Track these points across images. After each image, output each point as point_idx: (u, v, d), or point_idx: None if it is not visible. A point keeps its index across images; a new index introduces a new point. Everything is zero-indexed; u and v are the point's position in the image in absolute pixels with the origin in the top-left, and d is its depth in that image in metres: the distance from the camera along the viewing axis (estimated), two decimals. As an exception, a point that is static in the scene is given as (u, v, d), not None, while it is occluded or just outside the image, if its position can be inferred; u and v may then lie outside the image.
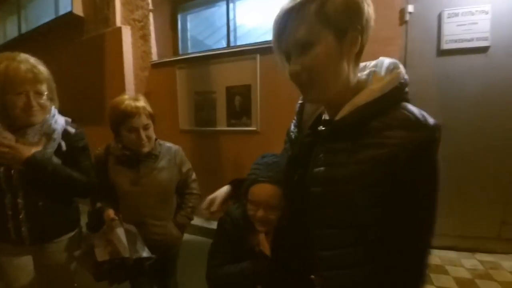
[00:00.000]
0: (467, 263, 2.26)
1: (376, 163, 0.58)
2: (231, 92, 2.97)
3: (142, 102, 1.35)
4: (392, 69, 0.65)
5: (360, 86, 0.65)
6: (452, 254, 2.39)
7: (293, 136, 0.80)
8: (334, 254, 0.68)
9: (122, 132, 1.34)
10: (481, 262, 2.27)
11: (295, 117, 0.82)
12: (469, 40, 2.22)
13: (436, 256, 2.36)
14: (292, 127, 0.82)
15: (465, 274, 2.13)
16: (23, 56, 1.13)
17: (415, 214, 0.61)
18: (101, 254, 1.29)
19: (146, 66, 3.57)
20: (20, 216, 1.17)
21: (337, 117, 0.64)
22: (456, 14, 2.22)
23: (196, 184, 1.59)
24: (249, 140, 2.93)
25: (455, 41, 2.25)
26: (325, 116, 0.72)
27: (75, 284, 1.44)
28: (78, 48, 4.02)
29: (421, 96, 2.38)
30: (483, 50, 2.22)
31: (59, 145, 1.23)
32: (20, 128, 1.15)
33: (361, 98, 0.62)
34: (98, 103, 3.77)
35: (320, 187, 0.66)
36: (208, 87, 3.11)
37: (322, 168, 0.66)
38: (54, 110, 1.25)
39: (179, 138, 3.14)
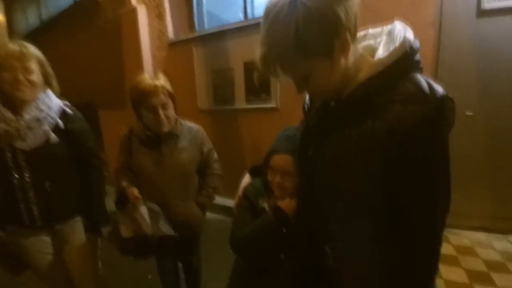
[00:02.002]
0: (498, 245, 2.15)
1: (375, 140, 0.56)
2: (249, 68, 2.87)
3: (161, 81, 1.33)
4: (396, 36, 0.60)
5: (364, 61, 0.63)
6: (482, 236, 2.28)
7: (306, 108, 0.80)
8: (343, 227, 0.68)
9: (142, 112, 1.33)
10: (514, 244, 2.15)
11: None
12: (516, -3, 1.96)
13: (465, 237, 2.26)
14: (307, 98, 0.81)
15: (496, 257, 2.03)
16: (19, 41, 1.21)
17: (415, 196, 0.58)
18: (125, 231, 1.34)
19: (163, 46, 3.53)
20: (29, 195, 1.21)
21: (342, 96, 0.64)
22: (502, -34, 1.95)
23: (217, 164, 1.57)
24: (268, 118, 2.85)
25: (499, -1, 1.99)
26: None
27: (100, 267, 1.51)
28: (96, 32, 4.05)
29: (457, 63, 2.18)
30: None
31: (57, 124, 1.26)
32: (15, 106, 1.19)
33: (364, 74, 0.60)
34: (117, 86, 3.81)
35: (326, 166, 0.67)
36: (226, 64, 3.03)
37: (328, 147, 0.66)
38: (49, 92, 1.29)
39: (198, 118, 3.07)
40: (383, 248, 0.63)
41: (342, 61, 0.60)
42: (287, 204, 0.99)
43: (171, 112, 1.36)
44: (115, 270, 1.98)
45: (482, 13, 2.06)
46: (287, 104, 2.71)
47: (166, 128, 1.35)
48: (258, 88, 2.88)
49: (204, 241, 1.70)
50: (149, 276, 2.07)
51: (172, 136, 1.39)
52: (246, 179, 1.18)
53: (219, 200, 2.88)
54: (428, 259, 0.62)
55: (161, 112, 1.31)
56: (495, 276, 1.83)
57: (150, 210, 1.35)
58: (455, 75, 2.17)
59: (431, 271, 0.64)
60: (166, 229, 1.34)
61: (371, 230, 0.64)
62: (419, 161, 0.55)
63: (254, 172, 1.19)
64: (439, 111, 0.53)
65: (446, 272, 1.90)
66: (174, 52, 3.46)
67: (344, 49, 0.58)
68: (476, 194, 2.28)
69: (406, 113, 0.53)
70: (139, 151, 1.41)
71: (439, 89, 0.55)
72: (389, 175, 0.57)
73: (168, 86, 1.35)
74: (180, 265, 1.64)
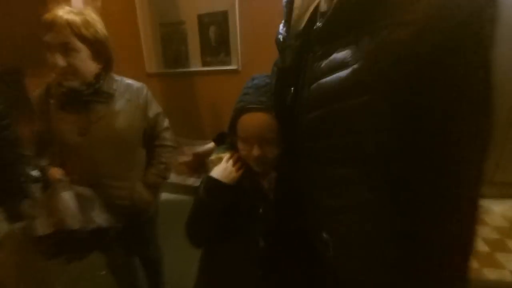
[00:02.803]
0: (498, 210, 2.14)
1: (385, 55, 0.40)
2: (204, 21, 2.46)
3: (71, 15, 0.94)
4: None
5: None
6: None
7: (281, 39, 0.61)
8: (344, 200, 0.52)
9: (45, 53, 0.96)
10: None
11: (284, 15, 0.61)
12: None
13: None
14: (280, 28, 0.62)
15: (503, 222, 2.00)
16: None
17: (442, 147, 0.41)
18: (42, 226, 1.01)
19: (96, -7, 2.87)
20: None
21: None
22: None
23: (169, 133, 1.26)
24: (229, 82, 2.53)
25: None
26: (323, 8, 0.52)
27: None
28: None
29: None
30: None
31: None
32: None
33: None
34: (39, 47, 3.08)
35: (317, 110, 0.50)
36: (176, 16, 2.56)
37: (323, 80, 0.48)
38: None
39: (146, 83, 2.67)
40: (400, 230, 0.47)
41: None
42: (221, 170, 0.77)
43: (79, 61, 0.98)
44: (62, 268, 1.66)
45: None
46: (250, 65, 2.40)
47: (72, 82, 0.99)
48: (215, 47, 2.50)
49: (164, 228, 1.42)
50: (103, 272, 1.77)
51: (102, 95, 1.04)
52: (209, 145, 0.93)
53: (179, 178, 2.57)
54: (454, 247, 0.46)
55: (58, 56, 0.94)
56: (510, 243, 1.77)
57: (79, 195, 1.04)
58: None
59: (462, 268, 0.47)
60: (101, 219, 1.04)
61: (386, 203, 0.47)
62: (453, 92, 0.38)
63: (220, 140, 0.92)
64: (481, 6, 0.36)
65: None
66: (113, 3, 2.85)
67: None
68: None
69: (441, 14, 0.36)
70: (59, 117, 1.04)
71: None
72: (407, 117, 0.41)
73: (86, 26, 0.96)
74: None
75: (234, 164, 0.78)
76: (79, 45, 0.96)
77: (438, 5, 0.37)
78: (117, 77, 1.12)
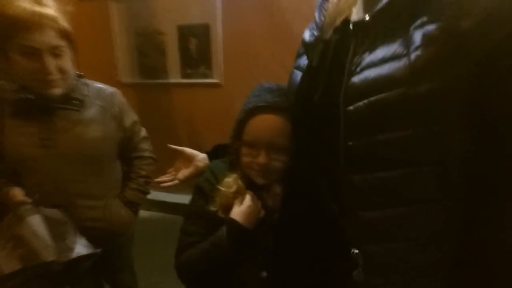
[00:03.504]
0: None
1: (446, 45, 0.38)
2: (184, 33, 2.37)
3: (50, 10, 0.82)
4: None
5: None
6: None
7: (312, 40, 0.56)
8: (386, 214, 0.45)
9: (13, 56, 0.80)
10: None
11: (315, 17, 0.58)
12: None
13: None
14: (308, 32, 0.59)
15: None
16: None
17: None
18: (7, 262, 0.83)
19: (68, -1, 2.71)
20: None
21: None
22: None
23: (147, 143, 1.15)
24: (210, 95, 2.43)
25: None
26: (356, 17, 0.51)
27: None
28: None
29: None
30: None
31: None
32: None
33: None
34: None
35: (365, 98, 0.44)
36: (154, 25, 2.45)
37: (368, 71, 0.44)
38: None
39: (119, 94, 2.53)
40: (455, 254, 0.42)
41: None
42: (239, 212, 0.66)
43: (68, 64, 0.87)
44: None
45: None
46: (232, 79, 2.31)
47: (59, 89, 0.87)
48: (196, 59, 2.42)
49: (137, 249, 1.25)
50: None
51: (71, 101, 0.91)
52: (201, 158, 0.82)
53: (156, 194, 2.40)
54: None
55: (48, 59, 0.81)
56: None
57: (48, 219, 0.87)
58: None
59: None
60: (80, 244, 0.88)
61: (440, 217, 0.42)
62: None
63: (214, 154, 0.83)
64: None
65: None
66: (85, 8, 2.68)
67: None
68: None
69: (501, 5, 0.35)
70: (14, 127, 0.88)
71: None
72: (476, 110, 0.38)
73: (63, 21, 0.85)
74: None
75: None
76: (66, 46, 0.85)
77: None
78: (88, 81, 1.00)
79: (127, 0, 2.50)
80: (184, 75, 2.50)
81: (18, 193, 0.89)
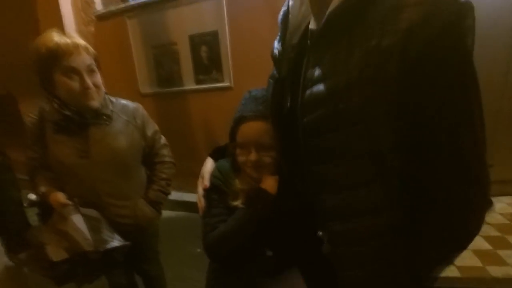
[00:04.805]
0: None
1: (379, 59, 0.44)
2: (195, 41, 2.53)
3: (79, 40, 1.01)
4: None
5: None
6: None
7: (277, 53, 0.65)
8: (342, 197, 0.55)
9: (57, 78, 0.98)
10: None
11: (279, 32, 0.66)
12: None
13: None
14: (276, 43, 0.67)
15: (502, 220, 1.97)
16: None
17: (436, 132, 0.45)
18: (55, 252, 1.01)
19: (90, 20, 2.94)
20: None
21: (329, 10, 0.50)
22: None
23: (167, 150, 1.29)
24: (222, 98, 2.57)
25: None
26: (313, 25, 0.58)
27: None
28: (5, 7, 3.21)
29: None
30: None
31: None
32: None
33: None
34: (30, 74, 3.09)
35: (315, 112, 0.53)
36: (167, 38, 2.63)
37: (316, 87, 0.53)
38: None
39: (141, 103, 2.68)
40: (397, 222, 0.52)
41: None
42: (269, 183, 0.80)
43: (99, 79, 1.04)
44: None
45: None
46: (241, 81, 2.45)
47: (96, 101, 1.03)
48: (207, 65, 2.56)
49: (162, 243, 1.42)
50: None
51: (101, 117, 1.06)
52: (209, 164, 0.93)
53: (174, 195, 2.57)
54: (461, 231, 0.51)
55: (86, 76, 0.98)
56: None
57: (86, 217, 1.04)
58: None
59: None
60: (113, 238, 1.04)
61: (379, 195, 0.51)
62: (443, 79, 0.43)
63: (217, 154, 0.95)
64: (460, 15, 0.41)
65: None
66: (104, 27, 2.91)
67: None
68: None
69: (425, 19, 0.41)
70: (56, 141, 1.05)
71: None
72: (405, 110, 0.45)
73: (90, 48, 1.03)
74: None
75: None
76: (96, 66, 1.03)
77: (417, 15, 0.42)
78: (112, 98, 1.16)
79: (142, 16, 2.69)
80: (198, 81, 2.65)
81: (61, 196, 1.06)
